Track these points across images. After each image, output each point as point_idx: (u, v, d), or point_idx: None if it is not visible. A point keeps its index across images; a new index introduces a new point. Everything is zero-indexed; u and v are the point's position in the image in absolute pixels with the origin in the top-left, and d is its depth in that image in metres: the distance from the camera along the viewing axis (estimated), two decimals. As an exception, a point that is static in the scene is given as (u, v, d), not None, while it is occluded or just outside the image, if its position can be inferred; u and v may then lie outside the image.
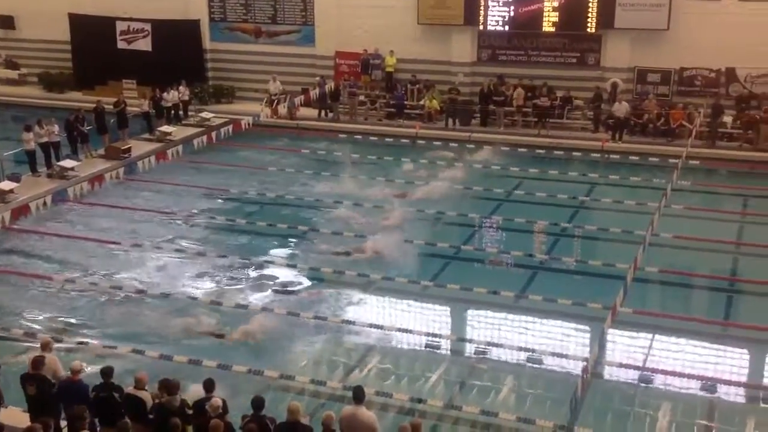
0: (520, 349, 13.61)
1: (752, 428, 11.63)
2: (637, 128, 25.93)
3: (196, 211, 20.58)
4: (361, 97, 29.18)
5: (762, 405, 12.42)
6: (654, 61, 26.67)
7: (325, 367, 13.33)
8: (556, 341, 14.09)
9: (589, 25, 26.87)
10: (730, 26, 25.27)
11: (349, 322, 14.63)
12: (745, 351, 13.90)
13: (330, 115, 29.01)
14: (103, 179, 21.28)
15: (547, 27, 27.32)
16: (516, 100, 27.00)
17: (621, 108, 25.45)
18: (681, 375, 12.93)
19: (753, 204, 20.81)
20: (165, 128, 26.62)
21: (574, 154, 24.94)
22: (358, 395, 9.86)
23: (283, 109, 28.68)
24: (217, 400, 9.73)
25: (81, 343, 13.80)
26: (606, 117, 26.35)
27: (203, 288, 16.15)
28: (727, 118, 25.18)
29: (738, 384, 12.90)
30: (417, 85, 29.04)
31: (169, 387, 10.08)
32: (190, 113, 28.72)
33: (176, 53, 30.61)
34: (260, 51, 31.39)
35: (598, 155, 24.84)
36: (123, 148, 24.25)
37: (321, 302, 15.45)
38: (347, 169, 23.69)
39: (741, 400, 12.62)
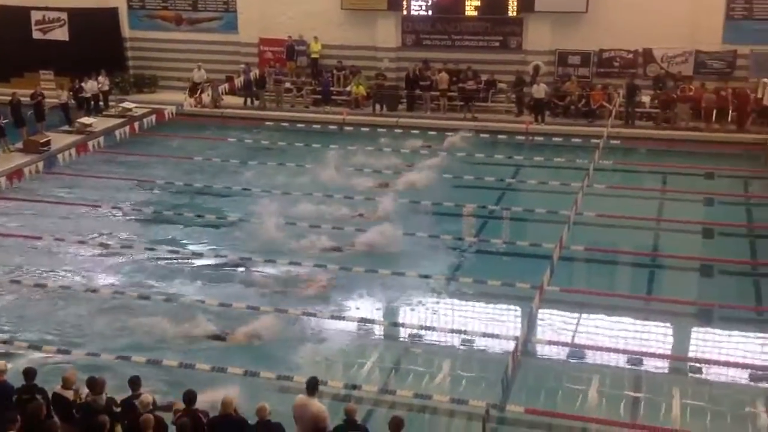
0: (452, 331, 13.78)
1: (677, 397, 12.04)
2: (559, 110, 26.45)
3: (120, 203, 20.15)
4: (287, 84, 28.98)
5: (684, 375, 12.83)
6: (574, 44, 27.20)
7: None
8: (487, 322, 14.29)
9: (510, 8, 27.23)
10: (646, 8, 25.95)
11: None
12: (668, 324, 14.34)
13: (256, 102, 28.74)
14: (22, 174, 20.55)
15: (470, 11, 27.58)
16: (441, 84, 27.18)
17: (540, 89, 25.88)
18: (608, 349, 13.28)
19: (671, 181, 21.50)
20: (85, 120, 25.99)
21: (500, 137, 25.29)
22: (311, 386, 9.85)
23: (207, 98, 28.26)
24: (147, 396, 9.59)
25: (4, 342, 13.40)
26: (528, 100, 26.80)
27: (131, 281, 15.85)
28: (645, 98, 25.87)
29: (661, 356, 13.32)
30: (343, 71, 28.97)
31: (93, 385, 9.89)
32: (111, 104, 28.09)
33: (94, 42, 29.84)
34: (182, 39, 30.84)
35: (523, 138, 25.24)
36: (41, 141, 23.57)
37: (252, 290, 15.35)
38: (275, 157, 23.54)
39: (665, 370, 13.04)
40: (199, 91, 28.39)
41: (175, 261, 16.83)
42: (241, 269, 16.45)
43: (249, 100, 28.79)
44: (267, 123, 27.37)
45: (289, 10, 29.40)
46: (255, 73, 28.86)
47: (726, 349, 13.46)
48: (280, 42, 29.60)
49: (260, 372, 12.26)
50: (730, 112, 24.47)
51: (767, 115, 23.95)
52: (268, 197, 19.96)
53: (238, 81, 28.50)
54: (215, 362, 12.54)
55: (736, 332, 14.05)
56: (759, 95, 24.05)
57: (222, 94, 28.35)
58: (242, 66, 29.07)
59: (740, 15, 25.79)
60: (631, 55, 26.85)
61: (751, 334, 13.89)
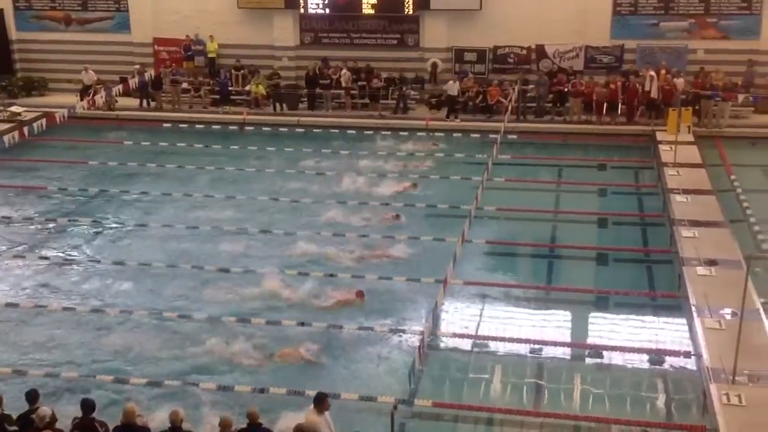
0: (360, 328, 13.83)
1: (578, 383, 12.44)
2: (458, 106, 26.87)
3: (11, 212, 19.36)
4: (184, 85, 28.43)
5: (584, 361, 13.25)
6: (470, 41, 27.67)
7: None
8: (392, 317, 14.39)
9: (406, 6, 27.48)
10: (537, 5, 26.69)
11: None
12: (568, 312, 14.77)
13: (152, 104, 28.09)
14: None
15: (367, 9, 27.70)
16: (344, 82, 27.15)
17: (453, 87, 26.19)
18: (511, 340, 13.59)
19: (566, 173, 22.16)
20: (-29, 125, 24.85)
21: (401, 133, 25.52)
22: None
23: (100, 100, 27.42)
24: (44, 410, 9.29)
25: None
26: (429, 96, 27.14)
27: (26, 293, 15.28)
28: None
29: (562, 344, 13.70)
30: (241, 71, 28.63)
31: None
32: (-2, 108, 26.96)
33: (-21, 45, 28.58)
34: (72, 40, 29.87)
35: (424, 134, 25.54)
36: (-77, 149, 22.44)
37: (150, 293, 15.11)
38: (174, 160, 23.10)
39: (566, 357, 13.42)
40: (91, 93, 27.51)
41: (67, 270, 16.33)
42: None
43: (145, 101, 28.10)
44: (165, 125, 26.78)
45: (183, 9, 28.86)
46: (150, 73, 28.20)
47: (623, 335, 13.95)
48: (176, 42, 29.02)
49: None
50: (620, 105, 25.39)
51: (655, 108, 24.96)
52: (168, 201, 19.61)
53: (133, 82, 27.76)
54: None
55: (631, 317, 14.59)
56: (646, 88, 25.04)
57: (116, 95, 27.58)
58: (136, 67, 28.34)
59: (627, 11, 26.79)
60: (524, 52, 27.52)
61: (646, 319, 14.47)
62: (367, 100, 27.40)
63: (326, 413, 9.98)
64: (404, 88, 27.02)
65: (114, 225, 18.69)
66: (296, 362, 12.83)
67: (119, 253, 17.19)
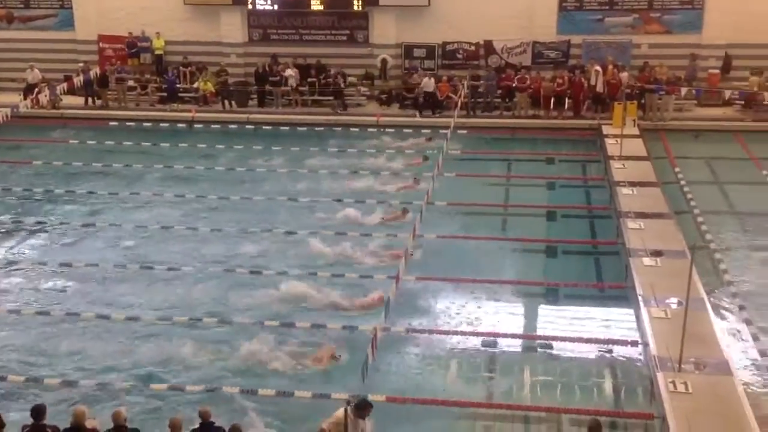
0: (313, 326, 13.79)
1: (529, 374, 12.61)
2: (408, 102, 26.93)
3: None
4: (131, 82, 28.03)
5: (535, 352, 13.41)
6: (419, 37, 27.78)
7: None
8: (346, 314, 14.38)
9: (355, 2, 27.46)
10: (485, 1, 26.87)
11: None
12: (518, 304, 14.92)
13: (98, 102, 27.62)
14: None
15: (316, 5, 27.62)
16: (291, 84, 27.00)
17: (429, 83, 26.14)
18: (463, 333, 13.71)
19: (515, 167, 22.38)
20: None
21: (352, 129, 25.52)
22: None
23: (44, 99, 26.82)
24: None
25: None
26: (378, 92, 27.18)
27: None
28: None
29: (513, 335, 13.86)
30: (189, 68, 28.31)
31: None
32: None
33: None
34: (14, 38, 29.31)
35: (375, 129, 25.56)
36: None
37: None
38: (122, 159, 22.79)
39: (517, 349, 13.58)
40: (35, 92, 26.91)
41: (11, 271, 16.03)
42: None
43: (90, 99, 27.62)
44: (111, 123, 26.40)
45: (128, 6, 28.48)
46: (95, 71, 27.69)
47: (572, 325, 14.16)
48: (121, 39, 28.60)
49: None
50: (567, 99, 25.71)
51: (601, 102, 25.34)
52: (115, 201, 19.36)
53: (78, 80, 27.18)
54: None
55: (580, 308, 14.83)
56: (592, 82, 25.41)
57: (61, 94, 27.03)
58: (81, 64, 27.84)
59: (572, 6, 27.15)
60: (473, 47, 27.72)
61: (594, 310, 14.71)
62: (317, 97, 27.29)
63: (366, 419, 9.93)
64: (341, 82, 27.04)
65: (59, 225, 18.34)
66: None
67: (65, 253, 16.89)
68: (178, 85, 27.80)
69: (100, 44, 28.87)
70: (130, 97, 27.82)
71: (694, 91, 25.20)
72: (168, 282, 15.54)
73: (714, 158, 22.46)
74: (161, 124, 26.28)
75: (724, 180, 20.92)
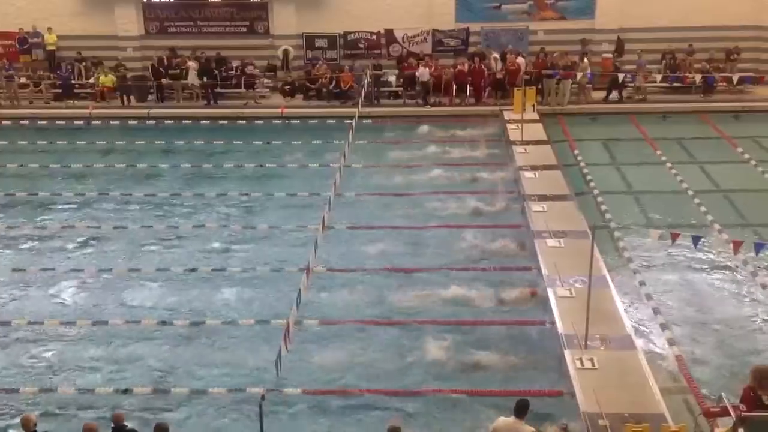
0: (225, 323, 13.65)
1: (444, 356, 12.73)
2: (312, 93, 26.85)
3: None
4: (23, 80, 27.01)
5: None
6: (320, 27, 27.75)
7: None
8: (257, 307, 14.27)
9: (253, -7, 27.21)
10: (385, -10, 27.07)
11: None
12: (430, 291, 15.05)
13: (-12, 101, 26.55)
14: None
15: (213, -4, 27.23)
16: (190, 79, 26.49)
17: (425, 72, 25.95)
18: (376, 323, 13.75)
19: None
20: None
21: (257, 122, 25.27)
22: (521, 409, 9.43)
23: (-72, 99, 25.63)
24: None
25: None
26: (282, 84, 27.01)
27: None
28: (391, 78, 26.98)
29: (423, 323, 13.94)
30: (84, 63, 27.45)
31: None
32: None
33: None
34: None
35: (279, 122, 25.39)
36: None
37: None
38: (15, 159, 21.96)
39: (430, 334, 13.67)
40: None
41: None
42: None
43: (-21, 99, 26.52)
44: (4, 122, 25.40)
45: (17, 1, 27.36)
46: (-17, 69, 26.60)
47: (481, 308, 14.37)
48: (11, 35, 27.51)
49: None
50: (468, 86, 26.12)
51: (501, 88, 25.85)
52: (10, 203, 18.69)
53: (-36, 79, 26.11)
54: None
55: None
56: (492, 69, 25.87)
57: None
58: (-34, 62, 26.70)
59: (470, -6, 27.64)
60: (374, 37, 27.83)
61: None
62: (220, 90, 26.89)
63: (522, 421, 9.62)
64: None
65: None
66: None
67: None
68: (72, 81, 26.93)
69: (-12, 40, 27.72)
70: (22, 95, 26.78)
71: (587, 76, 25.96)
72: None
73: (610, 140, 23.27)
74: (57, 122, 25.41)
75: (621, 161, 21.66)
